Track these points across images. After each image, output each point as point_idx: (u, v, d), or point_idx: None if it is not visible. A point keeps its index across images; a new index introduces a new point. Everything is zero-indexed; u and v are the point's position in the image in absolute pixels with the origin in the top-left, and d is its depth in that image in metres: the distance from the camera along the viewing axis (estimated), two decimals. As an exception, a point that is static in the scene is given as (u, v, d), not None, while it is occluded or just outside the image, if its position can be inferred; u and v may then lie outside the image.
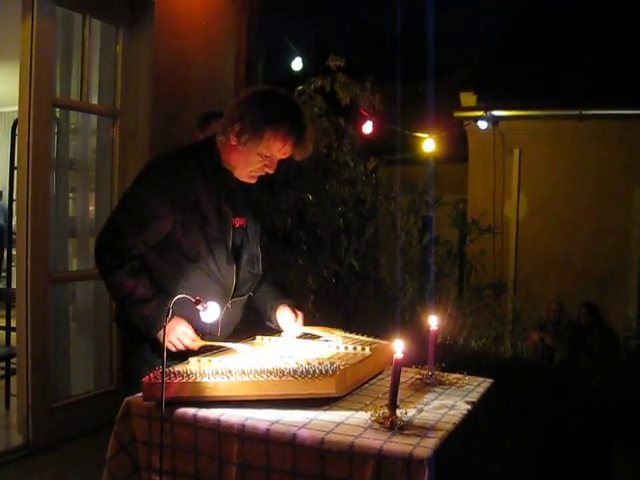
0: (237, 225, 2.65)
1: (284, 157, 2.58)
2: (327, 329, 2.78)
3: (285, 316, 2.75)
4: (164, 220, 2.51)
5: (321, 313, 3.49)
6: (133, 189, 2.62)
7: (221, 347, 2.51)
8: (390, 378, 2.02)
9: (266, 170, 2.59)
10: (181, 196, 2.51)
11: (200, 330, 2.51)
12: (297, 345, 2.62)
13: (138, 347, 2.58)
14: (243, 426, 2.00)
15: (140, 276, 2.49)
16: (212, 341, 2.52)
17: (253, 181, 2.65)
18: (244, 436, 1.99)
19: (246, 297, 2.78)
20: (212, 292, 2.55)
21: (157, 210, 2.50)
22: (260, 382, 2.11)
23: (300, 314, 2.77)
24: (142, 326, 2.49)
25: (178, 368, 2.23)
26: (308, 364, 2.17)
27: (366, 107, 5.28)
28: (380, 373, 2.53)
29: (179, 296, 2.15)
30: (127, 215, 2.55)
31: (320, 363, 2.17)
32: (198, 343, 2.48)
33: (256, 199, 2.80)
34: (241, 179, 2.64)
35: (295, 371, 2.12)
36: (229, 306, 2.66)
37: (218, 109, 4.08)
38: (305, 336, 2.77)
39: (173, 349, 2.46)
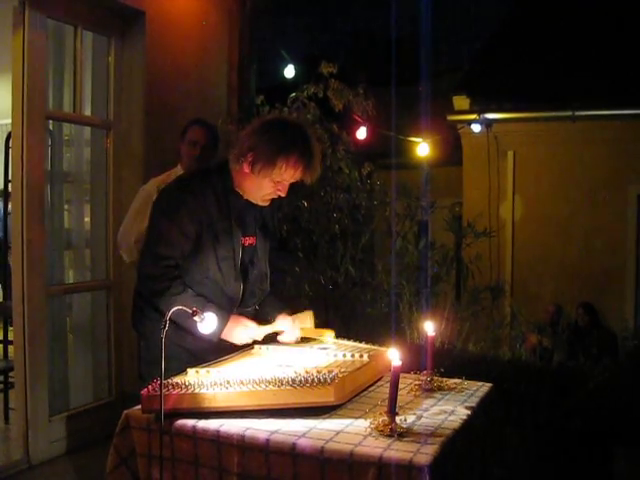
0: (247, 244, 2.76)
1: (295, 181, 2.69)
2: (319, 331, 2.89)
3: (283, 323, 2.81)
4: (190, 239, 2.62)
5: (318, 320, 3.47)
6: (161, 214, 2.71)
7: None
8: (389, 385, 2.03)
9: (278, 193, 2.70)
10: (199, 216, 2.62)
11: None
12: (295, 353, 2.63)
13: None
14: (243, 436, 2.00)
15: (188, 289, 2.61)
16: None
17: (266, 204, 2.77)
18: (244, 446, 1.99)
19: (252, 309, 2.86)
20: (220, 301, 2.66)
21: (185, 230, 2.60)
22: (259, 392, 2.11)
23: (297, 321, 2.84)
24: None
25: (177, 379, 2.23)
26: (306, 373, 2.17)
27: (359, 113, 5.27)
28: (379, 380, 2.53)
29: (176, 307, 2.15)
30: (161, 239, 2.64)
31: (318, 372, 2.18)
32: (262, 332, 2.67)
33: (265, 217, 2.89)
34: (254, 202, 2.74)
35: (293, 380, 2.13)
36: None
37: (204, 118, 4.09)
38: (302, 341, 2.84)
39: (240, 342, 2.64)
